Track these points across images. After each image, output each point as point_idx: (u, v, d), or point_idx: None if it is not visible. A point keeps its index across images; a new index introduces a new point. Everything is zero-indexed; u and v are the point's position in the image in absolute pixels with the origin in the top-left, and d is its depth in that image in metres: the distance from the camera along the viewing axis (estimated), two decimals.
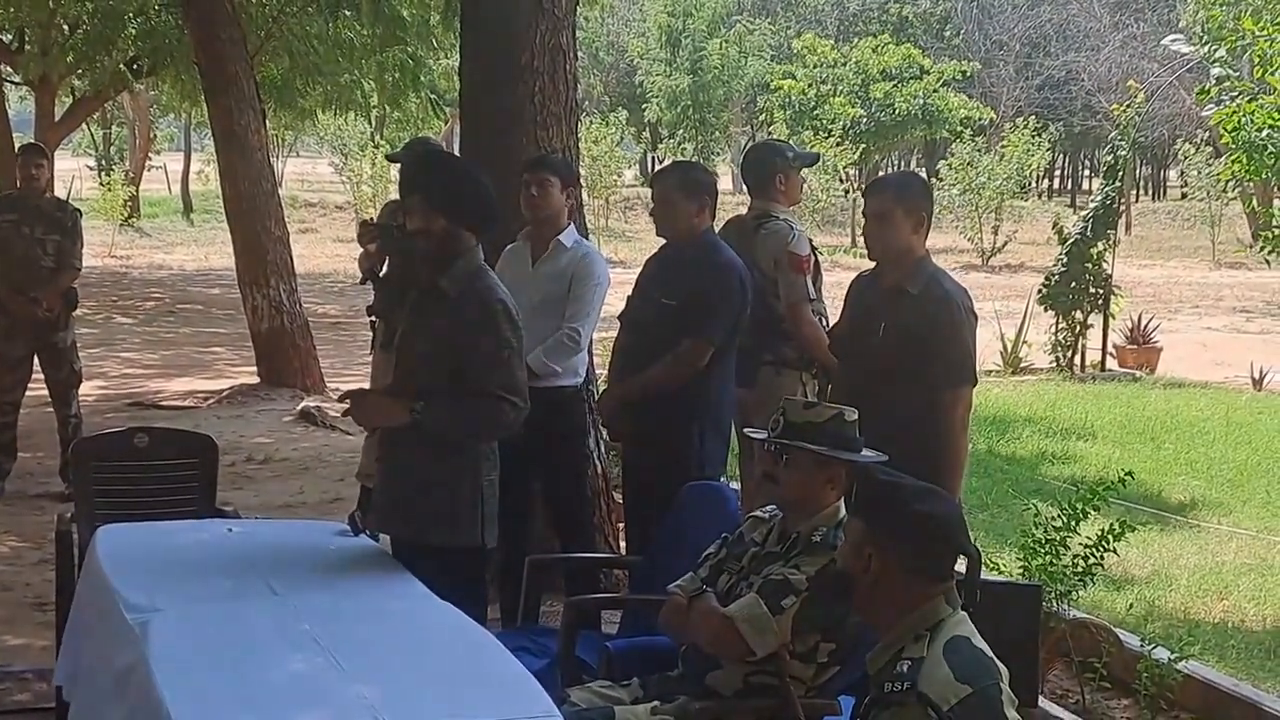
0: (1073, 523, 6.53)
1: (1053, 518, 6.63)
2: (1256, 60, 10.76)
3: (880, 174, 48.20)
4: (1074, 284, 15.85)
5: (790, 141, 30.84)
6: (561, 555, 6.16)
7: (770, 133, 38.81)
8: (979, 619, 5.04)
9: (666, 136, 45.58)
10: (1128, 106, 15.97)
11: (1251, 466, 10.79)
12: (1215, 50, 10.79)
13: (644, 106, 45.09)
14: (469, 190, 4.91)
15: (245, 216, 13.53)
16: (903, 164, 66.01)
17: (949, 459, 5.12)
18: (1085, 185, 61.25)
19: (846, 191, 39.65)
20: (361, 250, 8.01)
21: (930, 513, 3.17)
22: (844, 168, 36.91)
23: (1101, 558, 6.33)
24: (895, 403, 5.16)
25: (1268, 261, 11.07)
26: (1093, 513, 6.54)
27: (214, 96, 13.43)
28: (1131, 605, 7.14)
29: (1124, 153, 15.94)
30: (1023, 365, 16.24)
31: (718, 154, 47.14)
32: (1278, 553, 8.37)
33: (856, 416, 4.39)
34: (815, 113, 40.15)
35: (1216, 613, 7.26)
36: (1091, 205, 16.26)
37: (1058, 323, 16.10)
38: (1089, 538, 6.34)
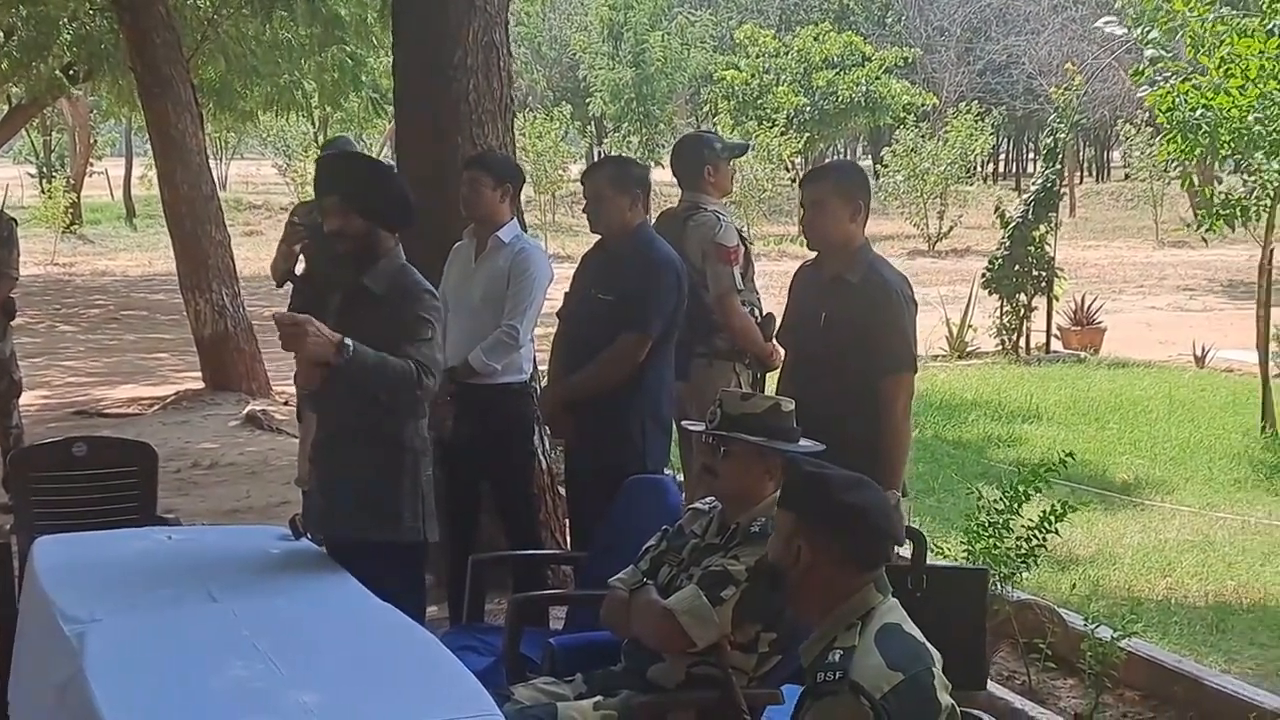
0: (1015, 505, 6.58)
1: (996, 501, 6.68)
2: (1189, 41, 10.83)
3: (825, 161, 48.42)
4: (1017, 267, 15.95)
5: (735, 132, 31.04)
6: (505, 553, 6.14)
7: (715, 124, 38.78)
8: (926, 603, 5.10)
9: (611, 130, 45.54)
10: (1066, 89, 16.08)
11: (1194, 444, 10.88)
12: (1148, 32, 10.85)
13: (588, 101, 45.00)
14: (384, 190, 4.93)
15: (185, 221, 13.44)
16: (848, 151, 66.36)
17: (892, 446, 5.14)
18: (1029, 168, 61.53)
19: (793, 180, 39.66)
20: (282, 249, 7.97)
21: (858, 503, 3.18)
22: (789, 157, 36.93)
23: (1044, 539, 6.36)
24: (838, 391, 5.18)
25: (1205, 240, 11.14)
26: (1035, 494, 6.59)
27: (150, 101, 13.32)
28: (1075, 585, 7.18)
29: (1063, 136, 16.06)
30: (969, 349, 16.33)
31: (663, 146, 46.99)
32: (1219, 529, 8.46)
33: (793, 407, 4.41)
34: (759, 102, 40.13)
35: (1160, 590, 7.32)
36: (1033, 189, 16.36)
37: (1002, 306, 16.19)
38: (1032, 520, 6.38)
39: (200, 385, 13.82)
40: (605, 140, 46.80)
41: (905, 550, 7.02)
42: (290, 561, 4.80)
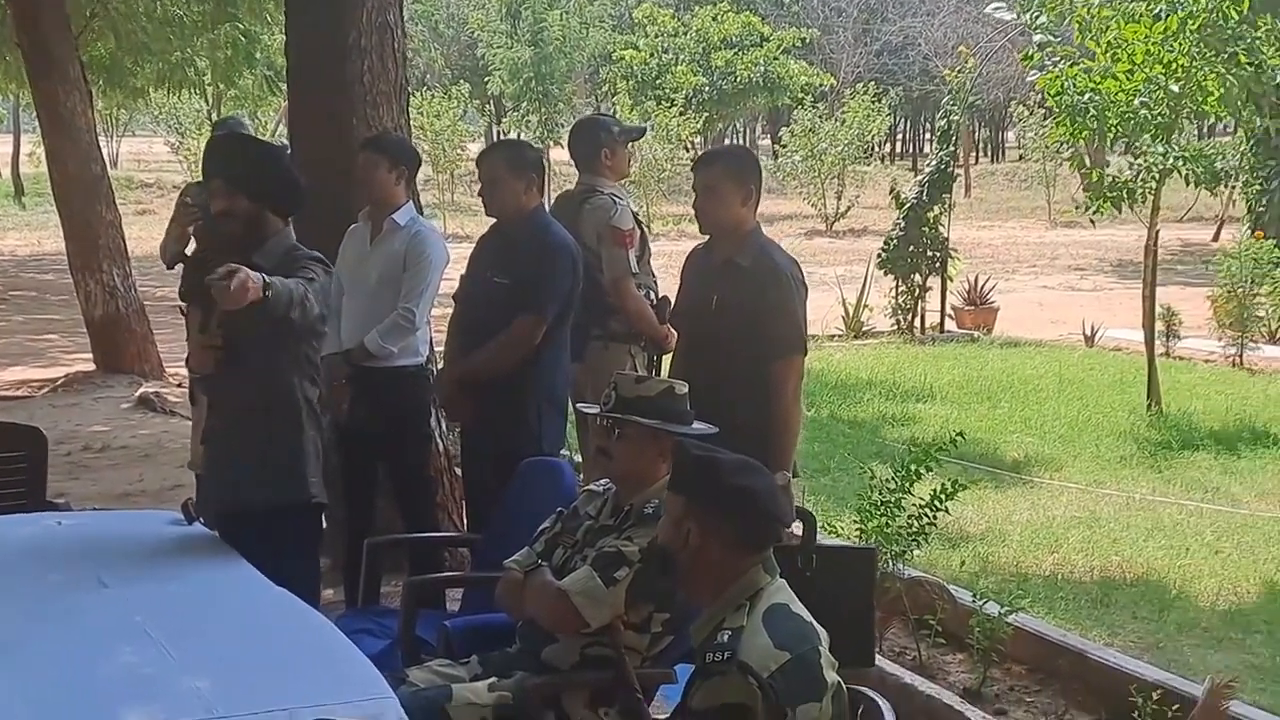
0: (906, 484, 6.69)
1: (888, 480, 6.78)
2: (1077, 26, 11.02)
3: (725, 143, 48.54)
4: (912, 248, 16.16)
5: (634, 112, 31.03)
6: (400, 536, 6.15)
7: (614, 104, 38.83)
8: (815, 583, 5.17)
9: (510, 109, 45.37)
10: (959, 71, 16.28)
11: (1082, 422, 11.10)
12: (1036, 17, 11.03)
13: (486, 80, 44.75)
14: (271, 173, 4.92)
15: (74, 200, 13.24)
16: (747, 131, 66.60)
17: (782, 428, 5.21)
18: (926, 149, 62.12)
19: (692, 161, 39.72)
20: (174, 231, 7.90)
21: (747, 486, 3.22)
22: (687, 137, 37.01)
23: (934, 517, 6.47)
24: (730, 374, 5.24)
25: (1093, 222, 11.35)
26: (927, 473, 6.70)
27: (38, 79, 13.10)
28: (964, 563, 7.31)
29: (956, 117, 16.26)
30: (864, 329, 16.51)
31: (562, 126, 46.83)
32: (1105, 505, 8.64)
33: (687, 390, 4.45)
34: (658, 82, 40.20)
35: (1047, 566, 7.46)
36: (926, 170, 16.55)
37: (897, 286, 16.38)
38: (923, 498, 6.48)
39: (91, 367, 13.63)
40: (504, 119, 46.68)
41: (798, 529, 7.13)
42: (182, 546, 4.76)
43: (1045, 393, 12.38)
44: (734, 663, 2.98)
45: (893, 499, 6.64)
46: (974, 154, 53.20)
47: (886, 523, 6.59)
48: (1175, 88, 10.74)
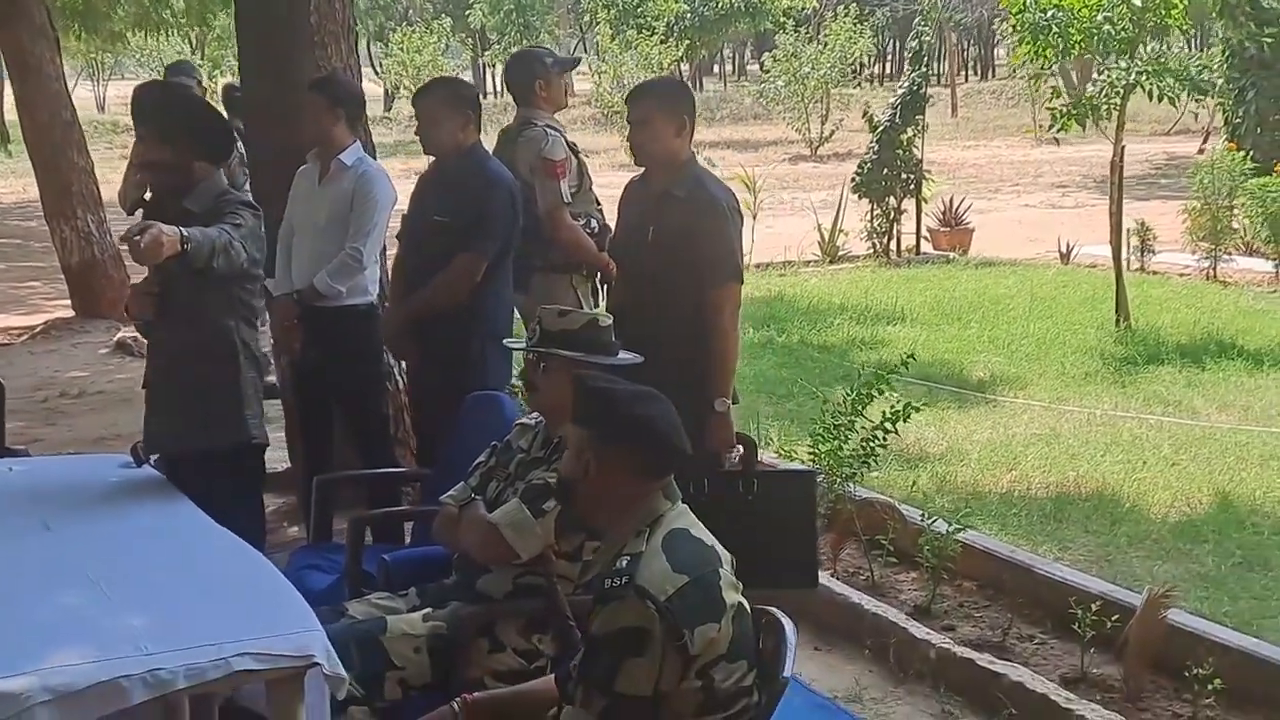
0: (859, 407, 6.78)
1: (840, 404, 6.88)
2: None
3: (714, 69, 48.28)
4: (886, 171, 16.15)
5: (614, 42, 30.90)
6: (349, 473, 6.24)
7: (595, 34, 38.62)
8: (757, 506, 5.28)
9: (493, 43, 45.17)
10: None
11: (1050, 340, 11.16)
12: None
13: (468, 13, 44.53)
14: (197, 121, 5.01)
15: (45, 148, 13.28)
16: (736, 57, 66.31)
17: (720, 355, 5.28)
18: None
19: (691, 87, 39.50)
20: (131, 177, 7.96)
21: (644, 415, 3.29)
22: (669, 65, 36.85)
23: (884, 439, 6.56)
24: (668, 304, 5.31)
25: (1057, 140, 11.38)
26: (879, 395, 6.80)
27: (2, 26, 13.07)
28: (914, 484, 7.38)
29: (927, 38, 16.20)
30: (841, 254, 16.53)
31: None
32: (1066, 422, 8.72)
33: (611, 322, 4.53)
34: (639, 10, 40.00)
35: (1005, 483, 7.55)
36: (899, 92, 16.53)
37: (872, 210, 16.39)
38: (875, 420, 6.58)
39: (70, 314, 13.71)
40: (486, 52, 46.45)
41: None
42: (129, 489, 4.86)
43: (1016, 312, 12.44)
44: (631, 587, 3.05)
45: (845, 422, 6.75)
46: (963, 72, 52.99)
47: (839, 446, 6.69)
48: (1138, 1, 10.73)
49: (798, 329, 11.94)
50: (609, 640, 3.07)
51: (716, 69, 69.31)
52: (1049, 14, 10.91)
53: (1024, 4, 10.89)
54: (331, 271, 6.21)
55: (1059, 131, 11.15)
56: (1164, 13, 10.90)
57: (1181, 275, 14.56)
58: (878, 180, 16.12)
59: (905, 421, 6.63)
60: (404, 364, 7.20)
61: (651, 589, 3.05)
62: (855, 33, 36.76)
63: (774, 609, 3.50)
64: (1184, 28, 11.22)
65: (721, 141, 40.57)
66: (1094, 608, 5.35)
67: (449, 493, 4.50)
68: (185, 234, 4.41)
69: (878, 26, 42.74)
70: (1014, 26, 11.23)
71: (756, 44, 56.65)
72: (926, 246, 16.82)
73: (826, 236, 16.54)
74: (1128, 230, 15.19)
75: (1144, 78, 10.80)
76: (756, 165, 34.20)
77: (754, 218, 16.88)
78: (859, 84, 44.56)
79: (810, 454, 6.85)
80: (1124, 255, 15.02)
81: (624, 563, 3.13)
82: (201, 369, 4.90)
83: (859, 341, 11.41)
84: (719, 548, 3.29)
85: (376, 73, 46.08)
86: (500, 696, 3.62)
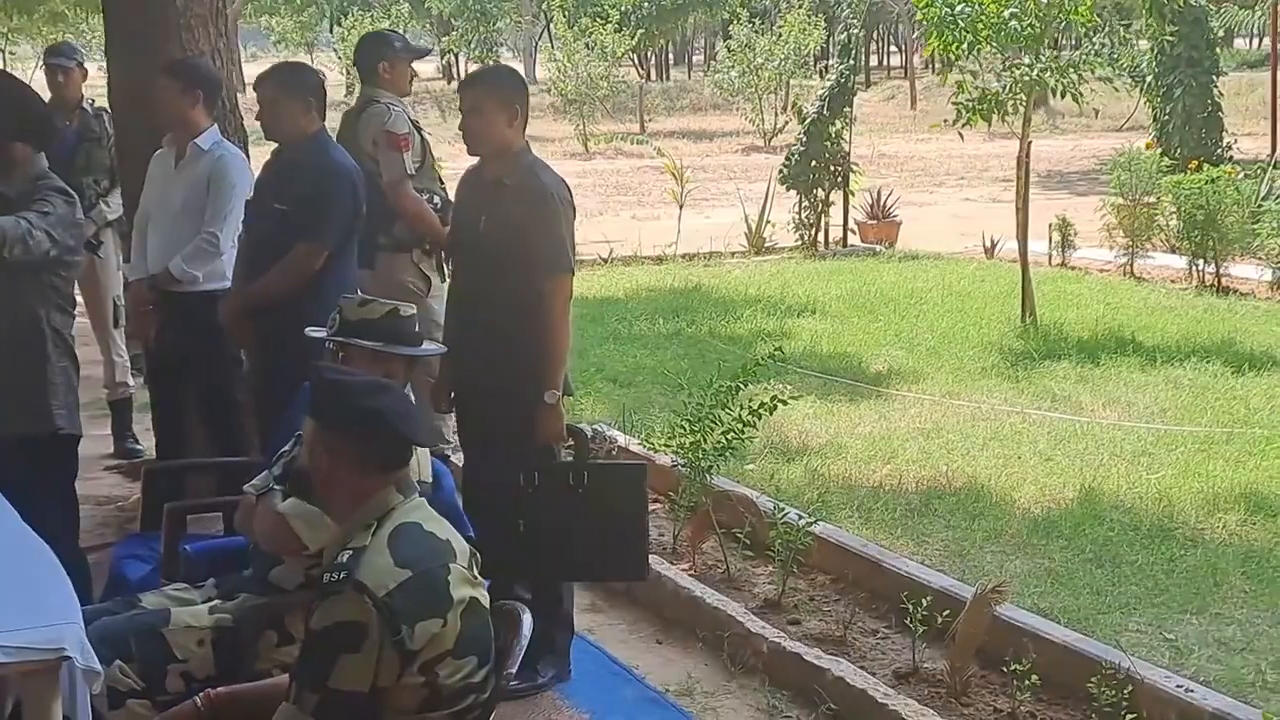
0: (724, 399, 6.76)
1: (708, 395, 6.85)
2: None
3: (670, 59, 48.14)
4: (814, 163, 16.12)
5: (569, 31, 30.78)
6: (177, 462, 6.21)
7: (550, 22, 38.51)
8: (587, 499, 5.27)
9: (445, 31, 44.99)
10: None
11: (954, 334, 11.17)
12: None
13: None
14: (13, 106, 4.96)
15: None
16: (697, 46, 66.27)
17: (549, 347, 5.23)
18: (879, 60, 61.80)
19: (643, 79, 39.50)
20: None
21: (373, 407, 3.26)
22: (621, 54, 36.77)
23: (743, 431, 6.55)
24: (500, 294, 5.28)
25: (961, 135, 11.36)
26: (744, 388, 6.78)
27: None
28: (777, 475, 7.39)
29: (856, 31, 16.20)
30: (767, 246, 16.51)
31: (502, 45, 46.69)
32: (951, 416, 8.73)
33: (413, 312, 4.51)
34: None
35: (879, 477, 7.56)
36: (827, 84, 16.52)
37: (800, 202, 16.38)
38: (736, 412, 6.56)
39: None
40: (444, 39, 46.22)
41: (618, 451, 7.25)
42: None
43: (927, 306, 12.43)
44: (349, 582, 3.03)
45: (707, 414, 6.74)
46: (929, 66, 52.94)
47: (701, 439, 6.68)
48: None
49: (707, 320, 11.92)
50: (325, 635, 3.05)
51: (693, 58, 69.23)
52: (956, 9, 10.89)
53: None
54: (187, 256, 6.17)
55: (963, 126, 11.13)
56: (1071, 9, 10.92)
57: (1101, 271, 14.59)
58: (805, 172, 16.09)
59: (771, 414, 6.63)
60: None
61: (370, 584, 3.03)
62: (810, 24, 36.70)
63: (515, 603, 3.47)
64: (1090, 25, 11.21)
65: (679, 131, 40.59)
66: (925, 602, 5.36)
67: (251, 482, 4.47)
68: None
69: (829, 19, 42.58)
70: (920, 19, 11.21)
71: (722, 34, 56.62)
72: (854, 239, 16.81)
73: (753, 228, 16.50)
74: (1050, 225, 15.27)
75: (1048, 74, 10.80)
76: (708, 155, 34.34)
77: (680, 208, 16.93)
78: (818, 74, 44.51)
79: (671, 446, 6.86)
80: (1047, 250, 15.17)
81: (345, 557, 3.11)
82: (8, 356, 4.85)
83: (766, 334, 11.39)
84: (456, 542, 3.27)
85: (338, 57, 45.86)
86: (243, 691, 3.60)
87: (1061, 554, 6.41)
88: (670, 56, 68.51)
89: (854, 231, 16.82)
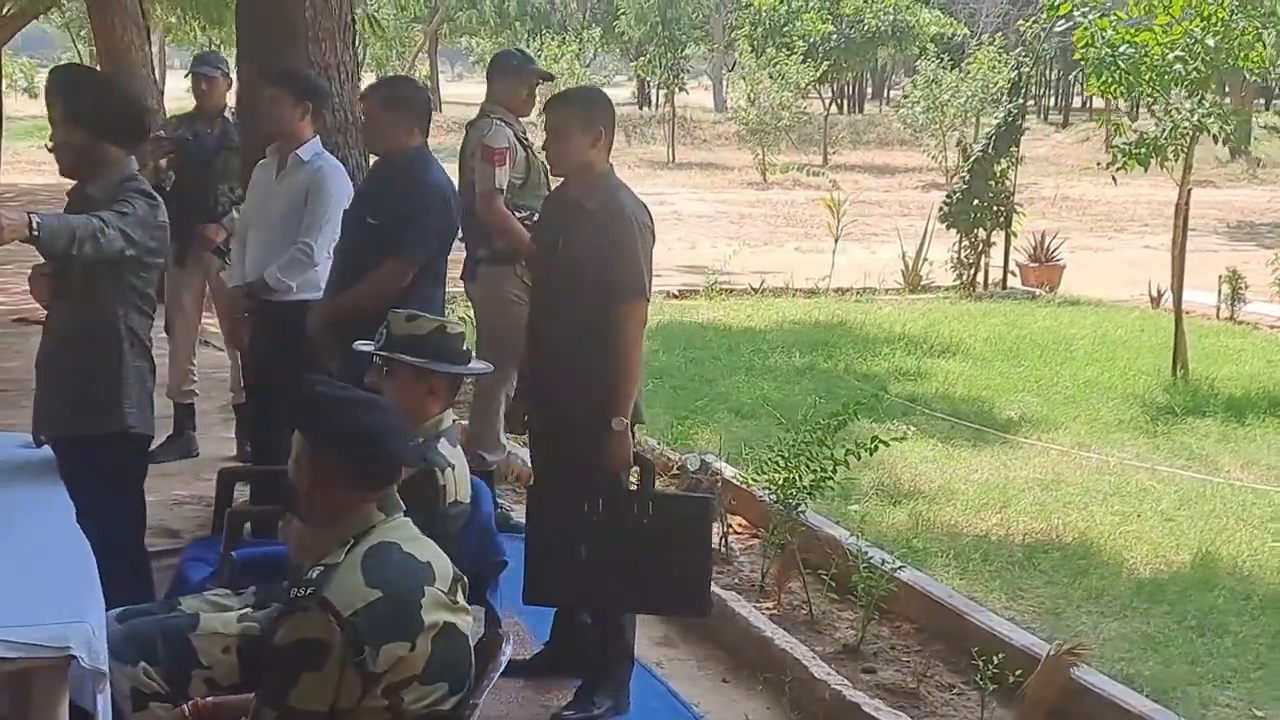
0: (822, 436, 6.60)
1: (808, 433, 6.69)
2: None
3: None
4: (976, 201, 15.82)
5: (755, 59, 30.85)
6: (247, 466, 6.25)
7: (731, 49, 38.51)
8: (651, 530, 5.17)
9: (636, 55, 45.27)
10: (1034, 22, 15.87)
11: (1098, 384, 10.84)
12: None
13: (615, 24, 44.70)
14: (109, 105, 4.97)
15: None
16: (888, 81, 65.72)
17: (620, 373, 5.13)
18: (1076, 101, 60.48)
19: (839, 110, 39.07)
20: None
21: (359, 423, 3.20)
22: (806, 85, 36.59)
23: (834, 471, 6.38)
24: (574, 316, 5.20)
25: (1114, 179, 11.01)
26: (842, 428, 6.61)
27: (94, 10, 13.34)
28: (862, 518, 7.17)
29: (1028, 69, 15.86)
30: (924, 284, 16.23)
31: (687, 72, 46.77)
32: (1076, 468, 8.44)
33: (461, 330, 4.45)
34: (785, 29, 39.79)
35: (986, 526, 7.32)
36: (994, 123, 16.20)
37: (960, 241, 16.08)
38: (833, 454, 6.39)
39: None
40: (633, 64, 46.53)
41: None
42: (11, 468, 4.89)
43: (1076, 353, 12.10)
44: (315, 599, 2.98)
45: (803, 451, 6.58)
46: (1134, 108, 51.81)
47: (796, 476, 6.53)
48: (1211, 42, 10.39)
49: (845, 356, 11.74)
50: (287, 652, 3.00)
51: (890, 93, 68.69)
52: (1119, 49, 10.57)
53: (1090, 39, 10.57)
54: (282, 266, 6.23)
55: (1118, 170, 10.78)
56: (1241, 56, 10.54)
57: (1272, 327, 14.07)
58: (966, 211, 15.79)
59: (871, 454, 6.47)
60: None
61: (337, 603, 2.97)
62: (999, 61, 36.13)
63: (500, 630, 3.38)
64: (1260, 70, 10.79)
65: (861, 165, 40.37)
66: (998, 659, 5.15)
67: None
68: (37, 220, 4.42)
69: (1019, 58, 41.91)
70: (1079, 60, 10.91)
71: (908, 69, 56.16)
72: (1015, 282, 16.44)
73: (910, 265, 16.24)
74: (1219, 277, 14.77)
75: (1210, 120, 10.43)
76: (887, 191, 34.08)
77: (835, 241, 16.75)
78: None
79: (764, 481, 6.72)
80: (1216, 303, 14.68)
81: (315, 573, 3.05)
82: (84, 354, 4.89)
83: (902, 373, 11.18)
84: (439, 564, 3.20)
85: None
86: (230, 704, 3.57)
87: (1163, 619, 6.12)
88: (869, 89, 68.21)
89: (1014, 274, 16.46)
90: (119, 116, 5.01)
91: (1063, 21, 10.89)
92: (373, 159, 6.33)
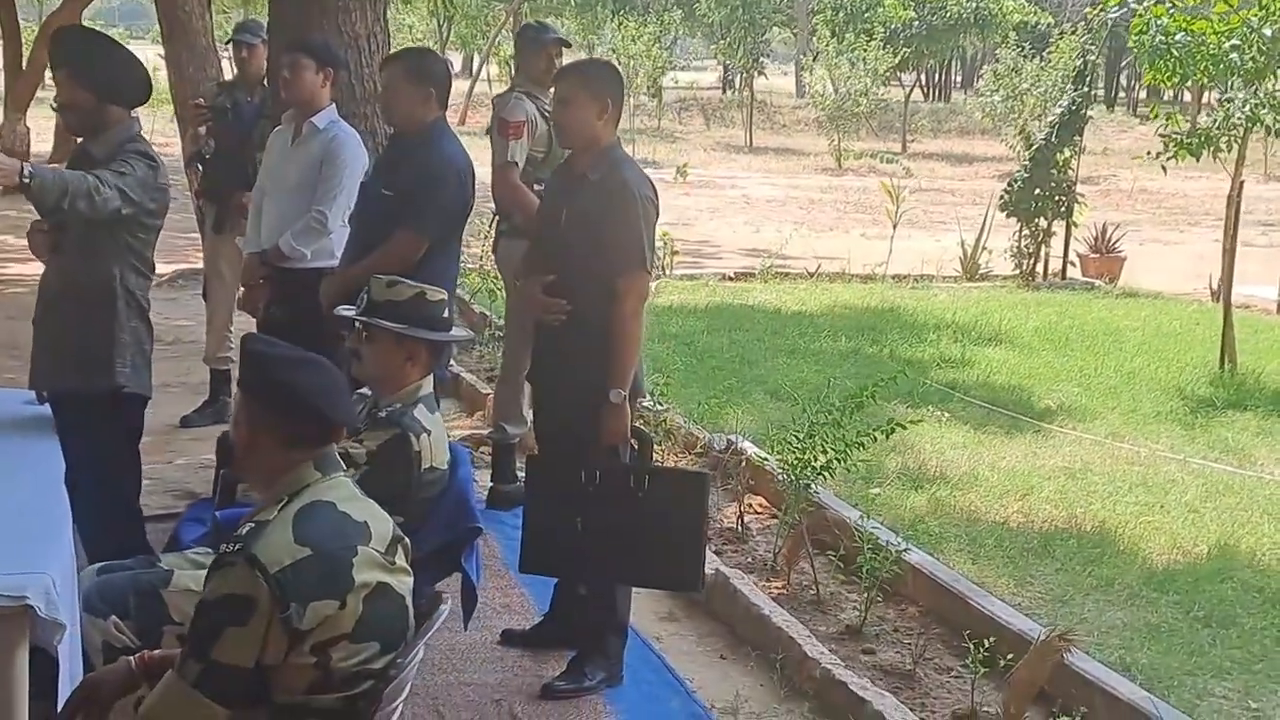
0: (842, 417, 6.59)
1: (825, 413, 6.68)
2: None
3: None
4: (1037, 191, 15.66)
5: (831, 45, 30.74)
6: None
7: (813, 35, 38.27)
8: (648, 504, 5.18)
9: (719, 38, 45.12)
10: (1100, 9, 15.64)
11: (1142, 374, 10.71)
12: None
13: (696, 6, 44.58)
14: (113, 66, 5.05)
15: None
16: (977, 69, 65.08)
17: (619, 344, 5.12)
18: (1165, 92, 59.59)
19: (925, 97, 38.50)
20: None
21: (292, 381, 3.20)
22: (884, 71, 36.33)
23: (846, 454, 6.37)
24: (578, 287, 5.22)
25: (1164, 169, 10.83)
26: (859, 410, 6.59)
27: None
28: (872, 500, 7.11)
29: (1093, 58, 15.66)
30: (982, 273, 16.09)
31: (767, 56, 46.49)
32: (1105, 458, 8.35)
33: (444, 296, 4.48)
34: (866, 15, 39.55)
35: (1006, 513, 7.26)
36: (1057, 111, 16.02)
37: (1021, 230, 15.92)
38: (863, 435, 6.36)
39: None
40: (712, 46, 46.44)
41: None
42: (12, 423, 4.98)
43: (1125, 344, 11.93)
44: (243, 554, 3.00)
45: (819, 431, 6.57)
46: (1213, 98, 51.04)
47: (811, 456, 6.52)
48: (1268, 32, 10.22)
49: (890, 342, 11.68)
50: (213, 606, 3.03)
51: (978, 81, 68.08)
52: (1174, 37, 10.41)
53: (1146, 25, 10.42)
54: (296, 233, 6.29)
55: (1169, 160, 10.63)
56: None
57: None
58: (1027, 200, 15.63)
59: (888, 438, 6.47)
60: None
61: (264, 559, 2.99)
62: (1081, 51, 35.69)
63: (436, 592, 3.41)
64: None
65: (940, 153, 40.04)
66: (989, 643, 5.13)
67: None
68: (28, 169, 4.50)
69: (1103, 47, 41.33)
70: (1133, 48, 10.75)
71: (993, 57, 55.61)
72: (1075, 273, 16.27)
73: (968, 253, 16.10)
74: None
75: (1264, 110, 10.25)
76: (963, 180, 33.75)
77: (894, 228, 16.65)
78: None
79: (779, 460, 6.72)
80: (1277, 298, 14.45)
81: (246, 529, 3.09)
82: (79, 311, 4.99)
83: (946, 360, 11.09)
84: (376, 524, 3.21)
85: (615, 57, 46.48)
86: (176, 657, 3.60)
87: (1171, 609, 6.05)
88: (958, 77, 67.58)
89: (1075, 264, 16.28)
90: (123, 77, 5.10)
91: (1118, 9, 10.69)
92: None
